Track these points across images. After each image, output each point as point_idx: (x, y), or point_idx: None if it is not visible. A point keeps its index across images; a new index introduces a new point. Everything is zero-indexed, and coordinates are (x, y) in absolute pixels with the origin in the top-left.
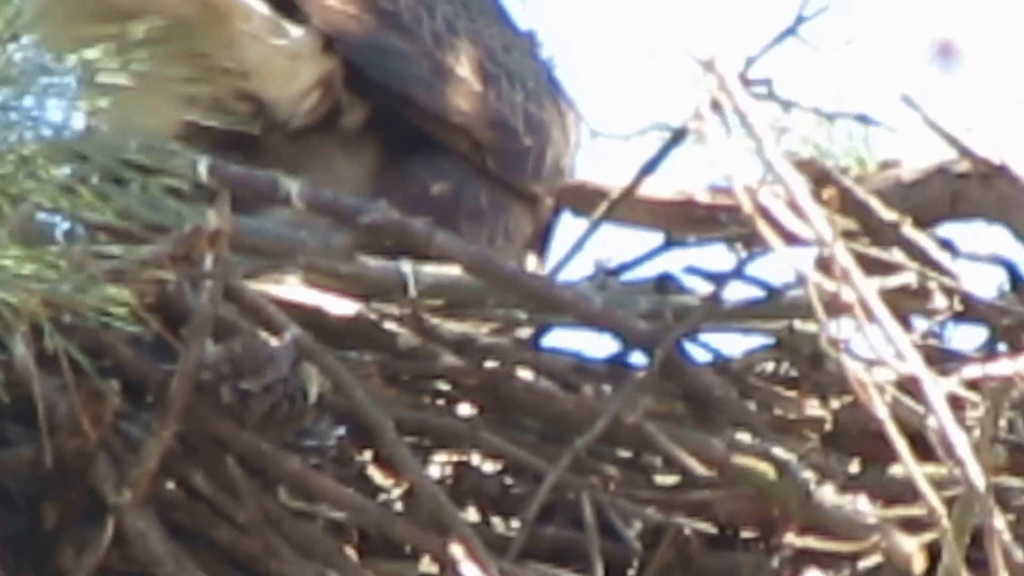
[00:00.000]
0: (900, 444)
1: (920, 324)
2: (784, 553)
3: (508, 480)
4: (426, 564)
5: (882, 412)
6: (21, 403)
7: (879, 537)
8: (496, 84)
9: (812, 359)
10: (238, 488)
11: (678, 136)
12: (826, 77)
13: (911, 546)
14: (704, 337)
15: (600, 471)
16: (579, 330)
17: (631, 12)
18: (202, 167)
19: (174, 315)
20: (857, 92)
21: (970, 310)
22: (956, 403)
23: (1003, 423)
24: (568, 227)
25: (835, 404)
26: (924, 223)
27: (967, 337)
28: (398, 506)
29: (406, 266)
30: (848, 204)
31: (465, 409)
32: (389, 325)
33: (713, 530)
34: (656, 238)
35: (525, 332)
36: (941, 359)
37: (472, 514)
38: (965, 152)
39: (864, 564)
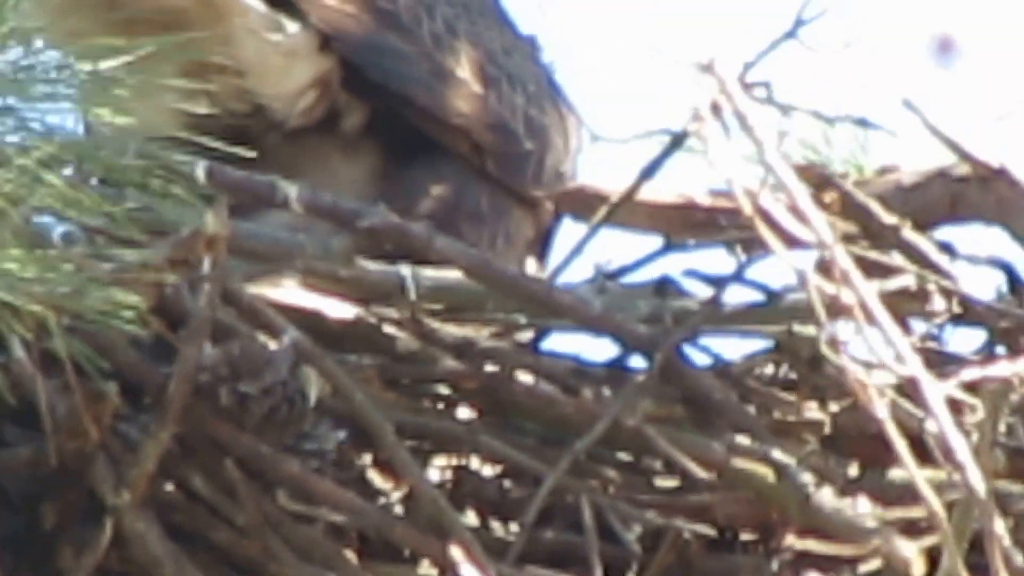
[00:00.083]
0: (900, 445)
1: (919, 327)
2: (783, 556)
3: (507, 484)
4: (426, 567)
5: (882, 412)
6: (20, 404)
7: (879, 541)
8: (496, 87)
9: (811, 362)
10: (237, 491)
11: (678, 140)
12: (825, 80)
13: (911, 550)
14: (704, 340)
15: (599, 474)
16: (579, 334)
17: (631, 15)
18: (200, 171)
19: (172, 318)
20: (857, 95)
21: (969, 313)
22: (955, 407)
23: (1002, 428)
24: (568, 231)
25: (834, 407)
26: (924, 226)
27: (966, 340)
28: (398, 509)
29: (406, 270)
30: (848, 207)
31: (465, 413)
32: (388, 329)
33: (712, 533)
34: (656, 242)
35: (525, 336)
36: (940, 362)
37: (471, 517)
38: (964, 155)
39: (864, 568)
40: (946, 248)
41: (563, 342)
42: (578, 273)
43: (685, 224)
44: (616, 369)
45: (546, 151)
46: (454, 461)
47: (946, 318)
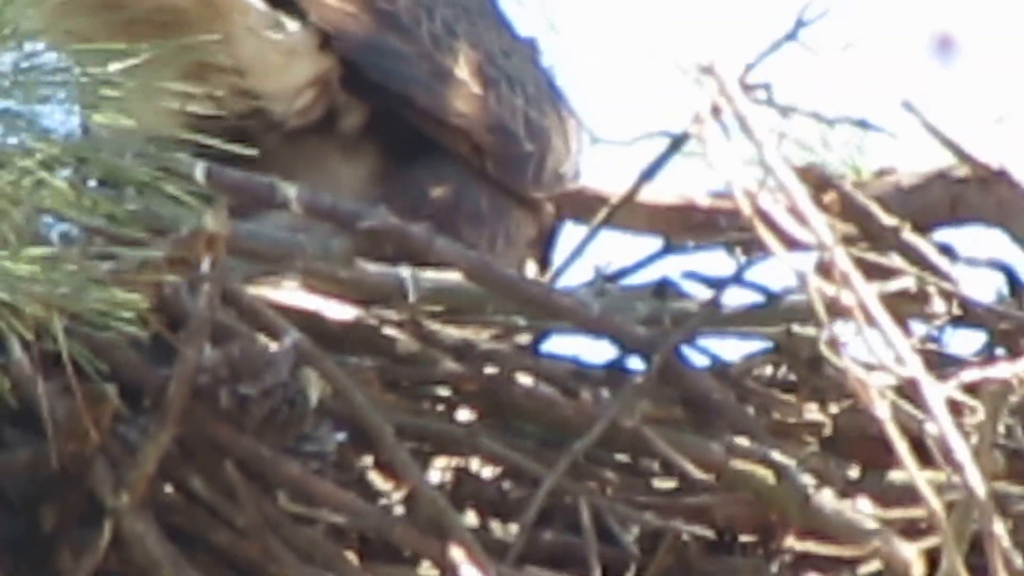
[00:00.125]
0: (900, 447)
1: (919, 328)
2: (783, 558)
3: (507, 485)
4: (426, 568)
5: (883, 413)
6: (20, 406)
7: (879, 542)
8: (496, 88)
9: (811, 363)
10: (237, 492)
11: (678, 141)
12: (825, 82)
13: (910, 551)
14: (703, 342)
15: (598, 476)
16: (578, 336)
17: (631, 17)
18: (200, 171)
19: (172, 319)
20: (856, 97)
21: (968, 314)
22: (955, 409)
23: (1001, 429)
24: (568, 233)
25: (834, 408)
26: (923, 228)
27: (966, 341)
28: (398, 510)
29: (405, 271)
30: (848, 209)
31: (464, 414)
32: (389, 330)
33: (711, 535)
34: (655, 243)
35: (524, 338)
36: (940, 363)
37: (471, 518)
38: (964, 157)
39: (864, 569)
40: (946, 250)
41: (562, 344)
42: (578, 275)
43: (685, 226)
44: (615, 371)
45: (546, 153)
46: (454, 462)
47: (946, 320)
